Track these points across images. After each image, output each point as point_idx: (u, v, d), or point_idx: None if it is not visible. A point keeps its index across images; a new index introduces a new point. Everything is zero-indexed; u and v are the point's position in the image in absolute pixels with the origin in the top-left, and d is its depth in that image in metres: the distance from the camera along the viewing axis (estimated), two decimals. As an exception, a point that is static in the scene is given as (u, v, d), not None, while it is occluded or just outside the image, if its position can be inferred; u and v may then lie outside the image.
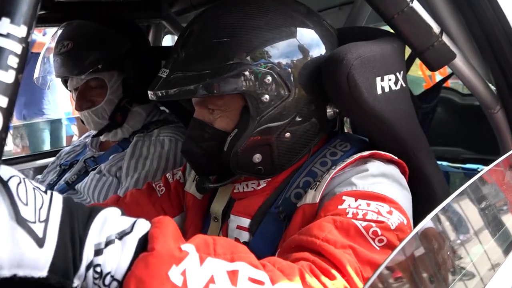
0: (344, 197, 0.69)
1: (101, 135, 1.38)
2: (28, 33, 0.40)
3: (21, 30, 0.39)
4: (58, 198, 0.46)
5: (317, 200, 0.73)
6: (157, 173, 1.27)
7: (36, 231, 0.42)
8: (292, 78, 0.77)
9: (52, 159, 1.58)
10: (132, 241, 0.47)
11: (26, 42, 0.40)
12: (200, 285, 0.46)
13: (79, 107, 1.31)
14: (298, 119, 0.79)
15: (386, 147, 0.82)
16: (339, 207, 0.68)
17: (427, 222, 0.52)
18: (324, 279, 0.55)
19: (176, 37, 2.20)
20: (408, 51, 0.91)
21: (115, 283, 0.45)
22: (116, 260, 0.46)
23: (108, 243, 0.46)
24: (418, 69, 2.52)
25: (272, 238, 0.78)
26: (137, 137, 1.34)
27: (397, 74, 0.83)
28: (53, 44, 1.33)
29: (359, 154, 0.77)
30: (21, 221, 0.41)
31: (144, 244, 0.46)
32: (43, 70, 1.38)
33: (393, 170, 0.78)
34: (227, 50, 0.74)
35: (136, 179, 1.25)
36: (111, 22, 1.36)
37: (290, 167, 0.84)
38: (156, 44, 1.92)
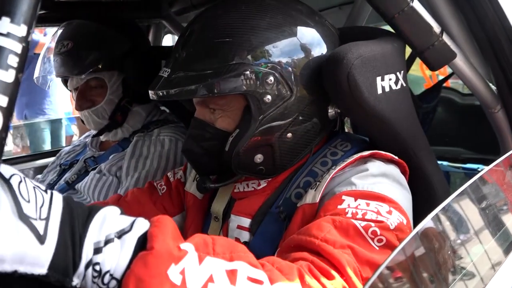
0: (343, 197, 0.69)
1: (101, 134, 1.38)
2: (28, 33, 0.40)
3: (21, 30, 0.39)
4: (58, 197, 0.46)
5: (317, 200, 0.73)
6: (157, 173, 1.27)
7: (37, 228, 0.42)
8: (294, 78, 0.76)
9: (52, 159, 1.58)
10: (131, 240, 0.47)
11: (26, 42, 0.40)
12: (199, 284, 0.46)
13: (79, 106, 1.31)
14: (299, 119, 0.79)
15: (387, 147, 0.82)
16: (339, 206, 0.68)
17: (427, 222, 0.52)
18: (322, 279, 0.55)
19: (176, 37, 2.20)
20: (408, 50, 0.91)
21: (114, 282, 0.45)
22: (115, 259, 0.46)
23: (108, 241, 0.46)
24: (418, 69, 2.52)
25: (273, 238, 0.78)
26: (137, 137, 1.34)
27: (398, 73, 0.83)
28: (53, 44, 1.33)
29: (359, 154, 0.77)
30: (24, 217, 0.42)
31: (143, 243, 0.47)
32: (43, 70, 1.38)
33: (394, 170, 0.78)
34: (228, 50, 0.74)
35: (136, 179, 1.25)
36: (111, 22, 1.36)
37: (291, 167, 0.84)
38: (156, 44, 1.92)
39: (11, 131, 3.81)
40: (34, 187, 0.44)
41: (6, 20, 0.38)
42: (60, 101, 3.93)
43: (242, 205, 0.85)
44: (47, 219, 0.43)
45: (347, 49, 0.76)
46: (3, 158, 0.41)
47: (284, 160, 0.82)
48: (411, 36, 0.85)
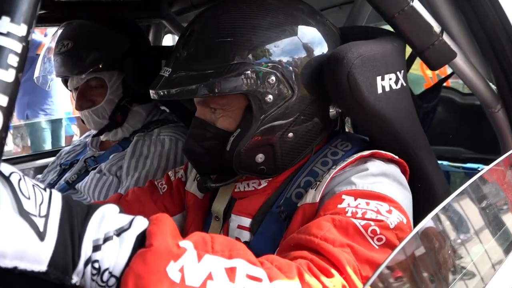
0: (343, 196, 0.69)
1: (101, 134, 1.38)
2: (28, 32, 0.40)
3: (21, 29, 0.39)
4: (57, 195, 0.46)
5: (317, 200, 0.73)
6: (158, 172, 1.27)
7: (37, 224, 0.43)
8: (295, 78, 0.76)
9: (52, 158, 1.58)
10: (130, 238, 0.47)
11: (26, 41, 0.40)
12: (198, 282, 0.46)
13: (79, 106, 1.31)
14: (301, 118, 0.79)
15: (387, 146, 0.82)
16: (339, 206, 0.68)
17: (427, 222, 0.52)
18: (322, 277, 0.55)
19: (176, 37, 2.21)
20: (408, 50, 0.91)
21: (113, 280, 0.46)
22: (114, 256, 0.46)
23: (106, 239, 0.46)
24: (419, 68, 2.52)
25: (273, 237, 0.78)
26: (138, 137, 1.34)
27: (398, 73, 0.83)
28: (53, 44, 1.33)
29: (359, 154, 0.77)
30: (24, 213, 0.42)
31: (142, 241, 0.47)
32: (44, 70, 1.38)
33: (394, 169, 0.78)
34: (229, 50, 0.74)
35: (136, 179, 1.25)
36: (111, 21, 1.36)
37: (292, 166, 0.84)
38: (156, 43, 1.92)
39: (11, 131, 3.83)
40: (33, 185, 0.45)
41: (6, 19, 0.38)
42: (61, 101, 3.94)
43: (243, 204, 0.85)
44: (46, 216, 0.44)
45: (347, 48, 0.76)
46: (4, 158, 0.41)
47: (285, 160, 0.82)
48: (411, 35, 0.85)
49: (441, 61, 0.87)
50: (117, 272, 0.45)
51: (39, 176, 1.53)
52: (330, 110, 0.82)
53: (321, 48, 0.80)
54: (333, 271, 0.57)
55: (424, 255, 0.54)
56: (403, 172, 0.80)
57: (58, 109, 3.95)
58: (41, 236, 0.42)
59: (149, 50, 1.45)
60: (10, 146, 4.02)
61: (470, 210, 0.65)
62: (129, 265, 0.45)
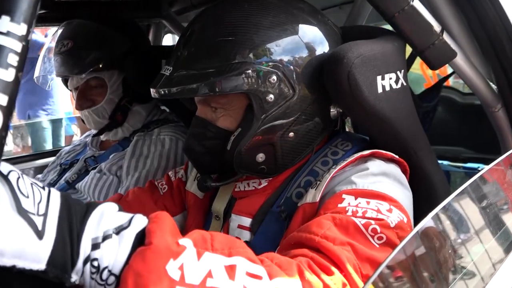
0: (344, 196, 0.69)
1: (102, 134, 1.38)
2: (28, 31, 0.40)
3: (21, 28, 0.39)
4: (56, 194, 0.46)
5: (317, 199, 0.73)
6: (158, 172, 1.27)
7: (36, 223, 0.42)
8: (296, 77, 0.76)
9: (52, 158, 1.58)
10: (129, 236, 0.47)
11: (26, 40, 0.40)
12: (198, 280, 0.46)
13: (80, 106, 1.31)
14: (302, 118, 0.79)
15: (387, 146, 0.82)
16: (339, 205, 0.68)
17: (427, 221, 0.52)
18: (322, 275, 0.55)
19: (176, 37, 2.20)
20: (409, 49, 0.91)
21: (112, 278, 0.45)
22: (114, 255, 0.46)
23: (106, 237, 0.46)
24: (419, 68, 2.52)
25: (274, 237, 0.78)
26: (138, 136, 1.34)
27: (398, 72, 0.83)
28: (53, 44, 1.33)
29: (359, 153, 0.77)
30: (22, 212, 0.42)
31: (141, 239, 0.46)
32: (44, 70, 1.38)
33: (394, 169, 0.78)
34: (230, 49, 0.74)
35: (136, 178, 1.25)
36: (111, 21, 1.35)
37: (293, 166, 0.84)
38: (156, 43, 1.91)
39: (11, 131, 3.84)
40: (31, 184, 0.44)
41: (6, 19, 0.38)
42: (61, 101, 3.96)
43: (243, 204, 0.85)
44: (45, 215, 0.44)
45: (347, 48, 0.76)
46: (4, 158, 0.41)
47: (286, 160, 0.82)
48: (411, 35, 0.85)
49: (441, 61, 0.87)
50: (116, 270, 0.45)
51: (39, 176, 1.53)
52: (331, 110, 0.82)
53: (322, 47, 0.80)
54: (334, 269, 0.57)
55: (424, 255, 0.54)
56: (403, 171, 0.80)
57: (59, 109, 3.97)
58: (40, 234, 0.42)
59: (149, 50, 1.45)
60: (10, 146, 4.03)
61: (470, 210, 0.65)
62: (129, 263, 0.45)
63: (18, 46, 0.39)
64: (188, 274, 0.45)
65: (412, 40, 0.86)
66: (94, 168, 1.34)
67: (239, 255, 0.50)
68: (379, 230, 0.63)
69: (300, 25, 0.78)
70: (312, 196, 0.74)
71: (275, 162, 0.81)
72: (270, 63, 0.74)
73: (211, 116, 0.81)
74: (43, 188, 0.46)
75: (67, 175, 1.39)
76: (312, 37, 0.79)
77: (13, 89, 0.39)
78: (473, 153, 1.93)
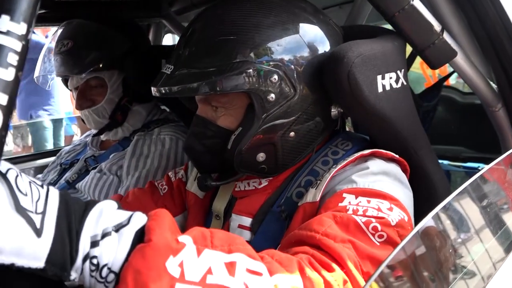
0: (344, 195, 0.69)
1: (102, 134, 1.38)
2: (28, 31, 0.40)
3: (21, 28, 0.39)
4: (54, 192, 0.46)
5: (318, 199, 0.73)
6: (158, 172, 1.27)
7: (34, 221, 0.42)
8: (297, 76, 0.76)
9: (52, 158, 1.58)
10: (129, 233, 0.46)
11: (26, 40, 0.40)
12: (197, 277, 0.46)
13: (80, 106, 1.31)
14: (303, 118, 0.79)
15: (387, 145, 0.82)
16: (340, 204, 0.68)
17: (428, 221, 0.52)
18: (323, 271, 0.55)
19: (176, 36, 2.20)
20: (409, 49, 0.90)
21: (112, 275, 0.45)
22: (113, 252, 0.46)
23: (105, 235, 0.46)
24: (419, 67, 2.52)
25: (274, 237, 0.78)
26: (138, 136, 1.34)
27: (398, 72, 0.83)
28: (53, 44, 1.33)
29: (360, 153, 0.77)
30: (21, 210, 0.42)
31: (141, 237, 0.46)
32: (44, 69, 1.38)
33: (394, 168, 0.78)
34: (231, 48, 0.74)
35: (137, 178, 1.25)
36: (111, 21, 1.36)
37: (293, 166, 0.84)
38: (156, 43, 1.91)
39: (11, 130, 3.86)
40: (30, 182, 0.44)
41: (6, 18, 0.38)
42: (62, 101, 3.98)
43: (243, 204, 0.85)
44: (43, 213, 0.44)
45: (347, 47, 0.76)
46: (4, 158, 0.41)
47: (287, 159, 0.82)
48: (411, 34, 0.85)
49: (441, 60, 0.87)
50: (116, 267, 0.45)
51: (40, 175, 1.53)
52: (332, 110, 0.82)
53: (324, 47, 0.80)
54: (334, 265, 0.57)
55: (425, 254, 0.54)
56: (404, 171, 0.80)
57: (59, 109, 3.99)
58: (38, 232, 0.42)
59: (149, 50, 1.45)
60: (11, 146, 4.03)
61: (470, 209, 0.65)
62: (128, 261, 0.45)
63: (18, 46, 0.39)
64: (188, 271, 0.45)
65: (412, 39, 0.86)
66: (94, 168, 1.34)
67: (239, 251, 0.50)
68: (379, 228, 0.63)
69: (302, 25, 0.78)
70: (313, 195, 0.74)
71: (276, 161, 0.81)
72: (271, 62, 0.74)
73: (212, 115, 0.81)
74: (42, 186, 0.46)
75: (67, 175, 1.39)
76: (313, 37, 0.79)
77: (13, 89, 0.39)
78: (473, 153, 1.93)
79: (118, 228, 0.47)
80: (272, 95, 0.75)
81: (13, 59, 0.39)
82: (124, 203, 1.03)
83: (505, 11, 0.89)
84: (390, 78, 0.81)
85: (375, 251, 0.61)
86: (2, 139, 0.39)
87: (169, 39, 2.44)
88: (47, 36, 3.57)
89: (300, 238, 0.63)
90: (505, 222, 0.72)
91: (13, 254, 0.42)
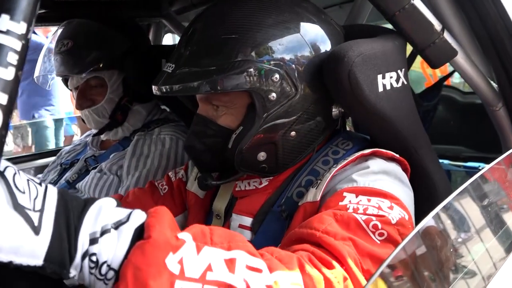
0: (345, 194, 0.69)
1: (102, 134, 1.38)
2: (28, 30, 0.39)
3: (20, 27, 0.39)
4: (52, 190, 0.46)
5: (318, 198, 0.73)
6: (158, 172, 1.27)
7: (32, 218, 0.42)
8: (298, 76, 0.76)
9: (52, 158, 1.58)
10: (128, 231, 0.46)
11: (26, 39, 0.39)
12: (197, 273, 0.46)
13: (80, 106, 1.31)
14: (304, 117, 0.79)
15: (388, 145, 0.82)
16: (340, 203, 0.68)
17: (428, 220, 0.52)
18: (323, 268, 0.55)
19: (176, 36, 2.20)
20: (409, 48, 0.90)
21: (111, 273, 0.45)
22: (112, 249, 0.45)
23: (104, 232, 0.46)
24: (419, 66, 2.51)
25: (275, 237, 0.78)
26: (138, 136, 1.34)
27: (399, 71, 0.83)
28: (53, 43, 1.33)
29: (360, 152, 0.77)
30: (18, 208, 0.42)
31: (140, 234, 0.46)
32: (44, 69, 1.38)
33: (395, 167, 0.78)
34: (232, 47, 0.74)
35: (137, 178, 1.25)
36: (111, 21, 1.35)
37: (294, 165, 0.83)
38: (156, 43, 1.92)
39: (11, 130, 3.87)
40: (28, 180, 0.44)
41: (5, 17, 0.38)
42: (62, 100, 4.00)
43: (244, 203, 0.85)
44: (41, 210, 0.43)
45: (348, 47, 0.76)
46: (4, 158, 0.41)
47: (287, 159, 0.82)
48: (412, 33, 0.85)
49: (442, 59, 0.87)
50: (115, 264, 0.45)
51: (40, 175, 1.53)
52: (333, 110, 0.82)
53: (325, 46, 0.79)
54: (334, 263, 0.57)
55: (425, 254, 0.54)
56: (404, 170, 0.80)
57: (60, 109, 4.00)
58: (36, 230, 0.42)
59: (149, 50, 1.45)
60: (11, 146, 4.04)
61: (471, 209, 0.65)
62: (128, 257, 0.45)
63: (17, 45, 0.39)
64: (187, 267, 0.45)
65: (413, 38, 0.86)
66: (95, 168, 1.34)
67: (238, 248, 0.50)
68: (380, 227, 0.63)
69: (303, 24, 0.78)
70: (313, 195, 0.74)
71: (276, 161, 0.81)
72: (272, 62, 0.74)
73: (213, 114, 0.81)
74: (40, 184, 0.46)
75: (68, 174, 1.39)
76: (314, 36, 0.79)
77: (13, 88, 0.39)
78: (473, 152, 1.93)
79: (117, 225, 0.47)
80: (273, 95, 0.75)
81: (13, 58, 0.39)
82: (124, 203, 1.03)
83: (506, 10, 0.89)
84: (391, 77, 0.81)
85: (375, 249, 0.61)
86: (2, 139, 0.39)
87: (169, 39, 2.44)
88: (48, 37, 3.58)
89: (300, 236, 0.63)
90: (506, 221, 0.72)
91: (11, 252, 0.41)
